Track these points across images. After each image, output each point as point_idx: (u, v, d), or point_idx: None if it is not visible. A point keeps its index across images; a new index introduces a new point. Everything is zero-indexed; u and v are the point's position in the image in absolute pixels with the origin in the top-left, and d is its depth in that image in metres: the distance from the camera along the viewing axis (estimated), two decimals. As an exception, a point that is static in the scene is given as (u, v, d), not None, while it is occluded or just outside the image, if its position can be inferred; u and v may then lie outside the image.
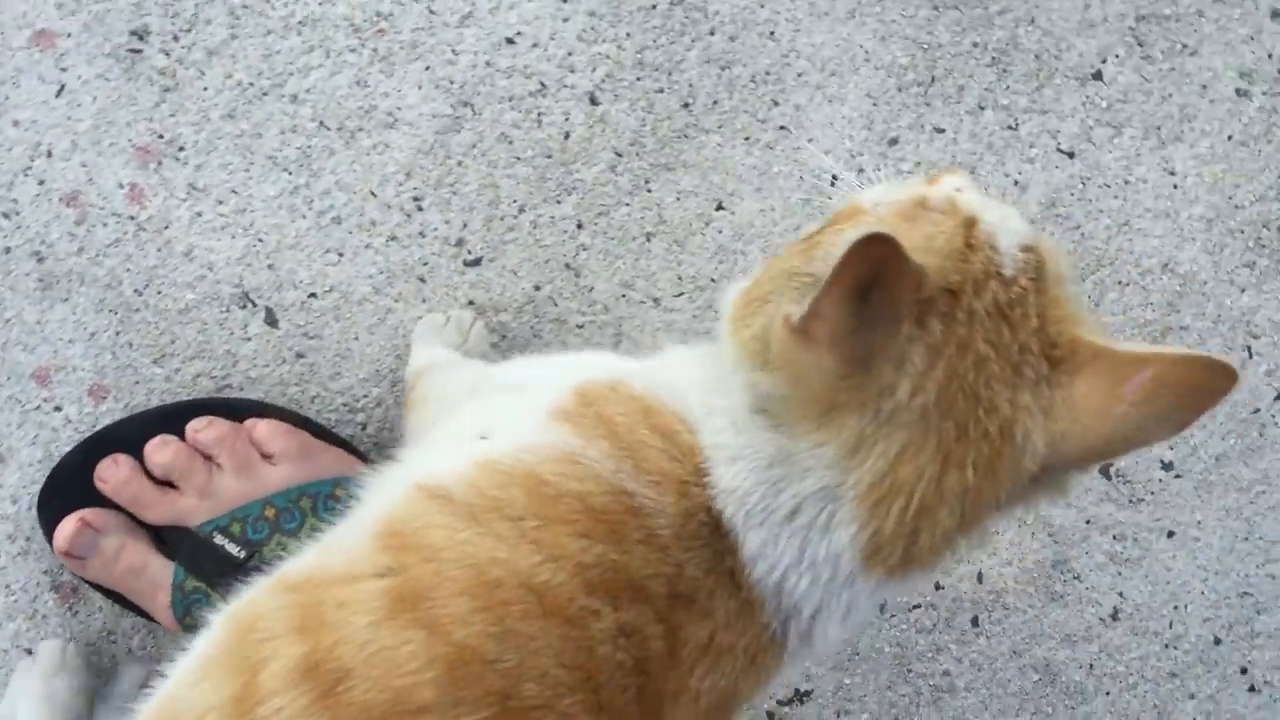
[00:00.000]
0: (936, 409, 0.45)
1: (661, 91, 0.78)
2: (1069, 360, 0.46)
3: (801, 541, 0.46)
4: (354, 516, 0.51)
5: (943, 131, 0.80)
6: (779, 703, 0.82)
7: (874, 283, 0.42)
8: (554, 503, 0.46)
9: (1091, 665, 0.85)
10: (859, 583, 0.46)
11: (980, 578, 0.84)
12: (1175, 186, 0.82)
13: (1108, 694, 0.86)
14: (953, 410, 0.45)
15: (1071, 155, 0.81)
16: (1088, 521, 0.84)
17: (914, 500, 0.45)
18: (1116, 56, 0.81)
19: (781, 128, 0.79)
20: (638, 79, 0.78)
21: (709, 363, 0.50)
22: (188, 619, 0.69)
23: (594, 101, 0.78)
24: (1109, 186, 0.81)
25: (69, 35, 0.74)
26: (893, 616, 0.83)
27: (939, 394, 0.44)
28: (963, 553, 0.47)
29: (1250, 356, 0.84)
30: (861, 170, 0.51)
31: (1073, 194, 0.81)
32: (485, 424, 0.52)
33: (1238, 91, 0.82)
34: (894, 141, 0.80)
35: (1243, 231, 0.82)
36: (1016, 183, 0.80)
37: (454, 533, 0.45)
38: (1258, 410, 0.84)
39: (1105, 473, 0.84)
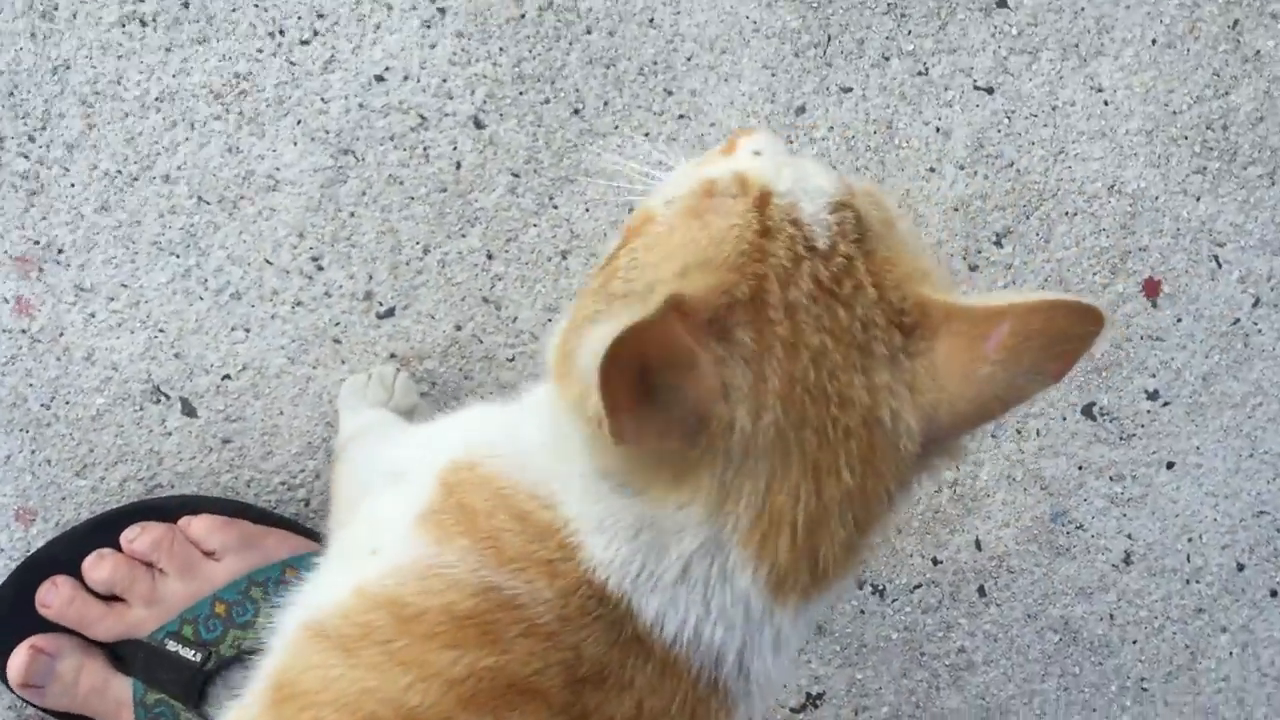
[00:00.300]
0: (788, 422, 0.47)
1: (548, 102, 0.87)
2: (922, 324, 0.49)
3: (703, 596, 0.49)
4: (257, 668, 0.57)
5: (850, 90, 0.88)
6: (791, 710, 0.91)
7: (647, 370, 0.44)
8: (417, 621, 0.50)
9: (1112, 615, 0.94)
10: (776, 614, 0.50)
11: (979, 545, 0.92)
12: (1106, 103, 0.90)
13: (1134, 642, 0.94)
14: (806, 417, 0.47)
15: (990, 91, 0.89)
16: (1080, 467, 0.93)
17: (799, 525, 0.47)
18: (1018, -23, 0.89)
19: (680, 116, 0.87)
20: (520, 93, 0.86)
21: (550, 417, 0.51)
22: (155, 733, 0.78)
23: (479, 125, 0.86)
24: (1036, 116, 0.89)
25: (-73, 154, 0.83)
26: (894, 601, 0.92)
27: (783, 406, 0.47)
28: (876, 546, 0.52)
29: (1219, 266, 0.92)
30: (662, 163, 0.56)
31: (1000, 131, 0.89)
32: (371, 537, 0.58)
33: (1152, -9, 0.90)
34: (801, 110, 0.88)
35: (1186, 138, 0.90)
36: (938, 129, 0.89)
37: (327, 671, 0.50)
38: (1237, 321, 0.92)
39: (1089, 413, 0.92)
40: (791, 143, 0.88)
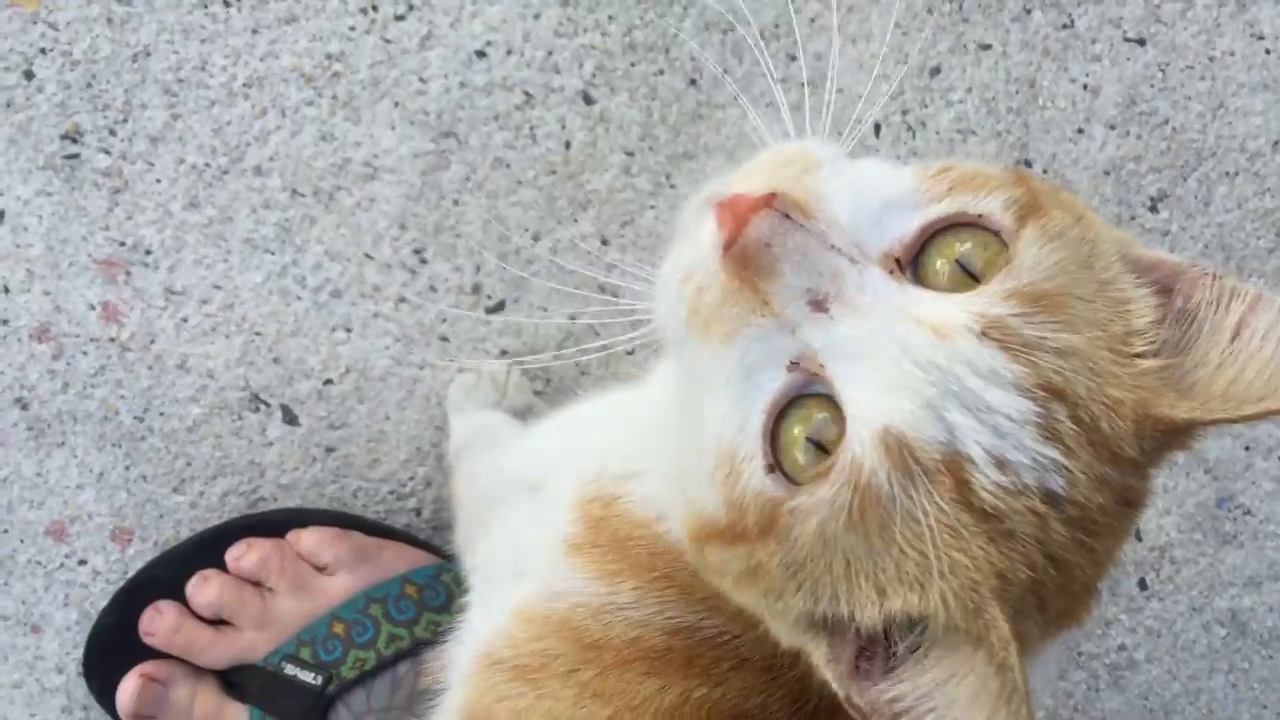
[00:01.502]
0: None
1: (662, 73, 0.81)
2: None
3: None
4: (438, 706, 0.55)
5: (989, 48, 0.82)
6: None
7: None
8: (602, 649, 0.47)
9: (1283, 608, 0.88)
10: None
11: (1138, 534, 0.87)
12: (1268, 52, 0.83)
13: (1308, 636, 0.89)
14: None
15: (1142, 42, 0.83)
16: (1247, 448, 0.87)
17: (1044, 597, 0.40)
18: (1170, -84, 0.83)
19: (805, 84, 0.82)
20: (632, 65, 0.81)
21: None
22: (274, 763, 0.74)
23: (589, 100, 0.81)
24: (1192, 68, 0.83)
25: None
26: (1045, 600, 0.86)
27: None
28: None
29: (1395, 222, 0.85)
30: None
31: (1153, 86, 0.83)
32: (514, 560, 0.55)
33: (1318, -75, 0.83)
34: (936, 71, 0.82)
35: (1357, 83, 0.84)
36: (1085, 87, 0.83)
37: (515, 702, 0.48)
38: None
39: (1254, 389, 0.87)
40: (924, 104, 0.82)
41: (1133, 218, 0.84)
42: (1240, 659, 0.88)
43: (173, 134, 0.79)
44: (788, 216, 0.39)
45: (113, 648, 0.76)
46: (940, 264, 0.40)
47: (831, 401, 0.39)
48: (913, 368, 0.38)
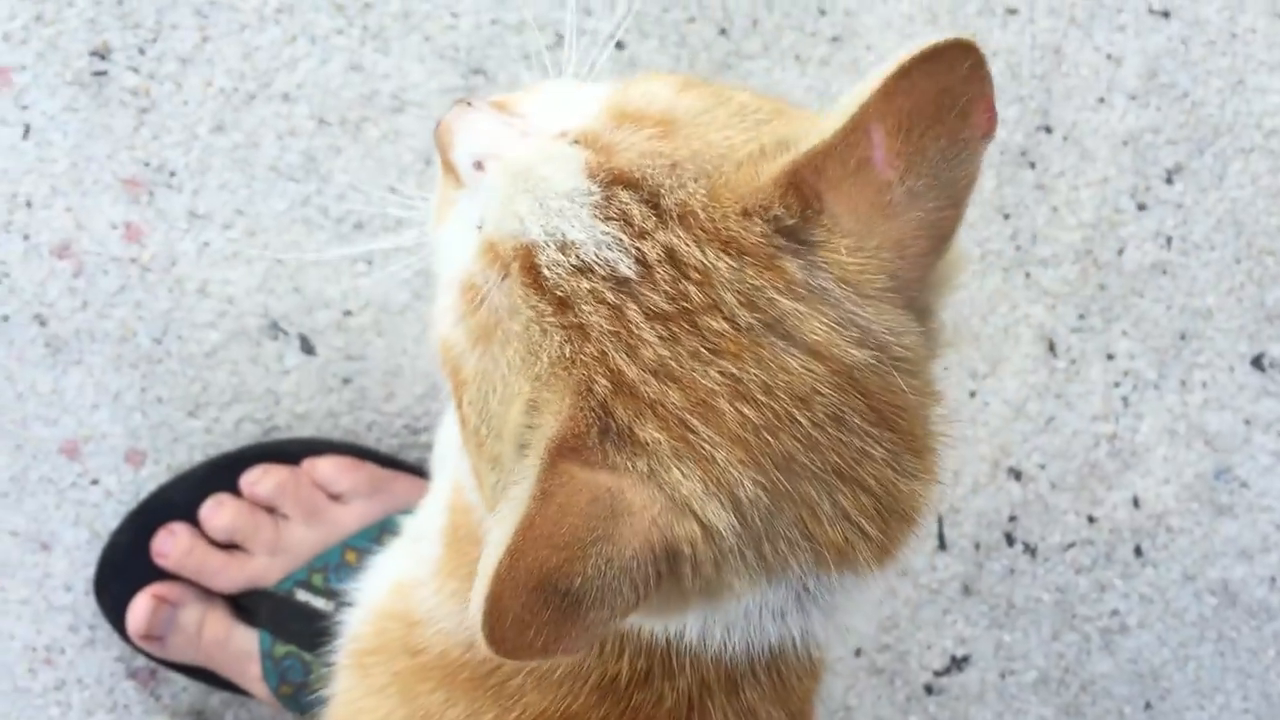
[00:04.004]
0: (769, 468, 0.39)
1: (693, 20, 0.83)
2: (806, 203, 0.39)
3: (776, 620, 0.44)
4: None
5: (1016, 12, 0.85)
6: (935, 673, 0.88)
7: (555, 575, 0.36)
8: (420, 652, 0.51)
9: (1274, 578, 0.92)
10: (841, 584, 0.43)
11: (1136, 502, 0.90)
12: (1290, 28, 0.86)
13: (1295, 608, 0.92)
14: (781, 448, 0.39)
15: (1166, 14, 0.86)
16: (1246, 421, 0.90)
17: (867, 529, 0.41)
18: (1202, -109, 0.85)
19: (834, 39, 0.84)
20: (664, 11, 0.83)
21: None
22: (284, 688, 0.76)
23: (619, 45, 0.83)
24: (1214, 43, 0.86)
25: (23, 68, 0.79)
26: (1046, 560, 0.89)
27: (748, 463, 0.39)
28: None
29: (1403, 206, 0.89)
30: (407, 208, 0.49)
31: (1175, 59, 0.86)
32: (423, 524, 0.58)
33: (1346, -93, 0.86)
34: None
35: (1374, 66, 0.87)
36: (1109, 56, 0.85)
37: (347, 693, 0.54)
38: None
39: (1258, 364, 0.90)
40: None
41: (1148, 189, 0.87)
42: (1229, 628, 0.92)
43: (202, 56, 0.80)
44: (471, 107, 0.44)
45: (125, 567, 0.78)
46: None
47: None
48: (509, 180, 0.42)
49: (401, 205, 0.50)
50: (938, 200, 0.40)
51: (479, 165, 0.43)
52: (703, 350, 0.39)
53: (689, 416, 0.39)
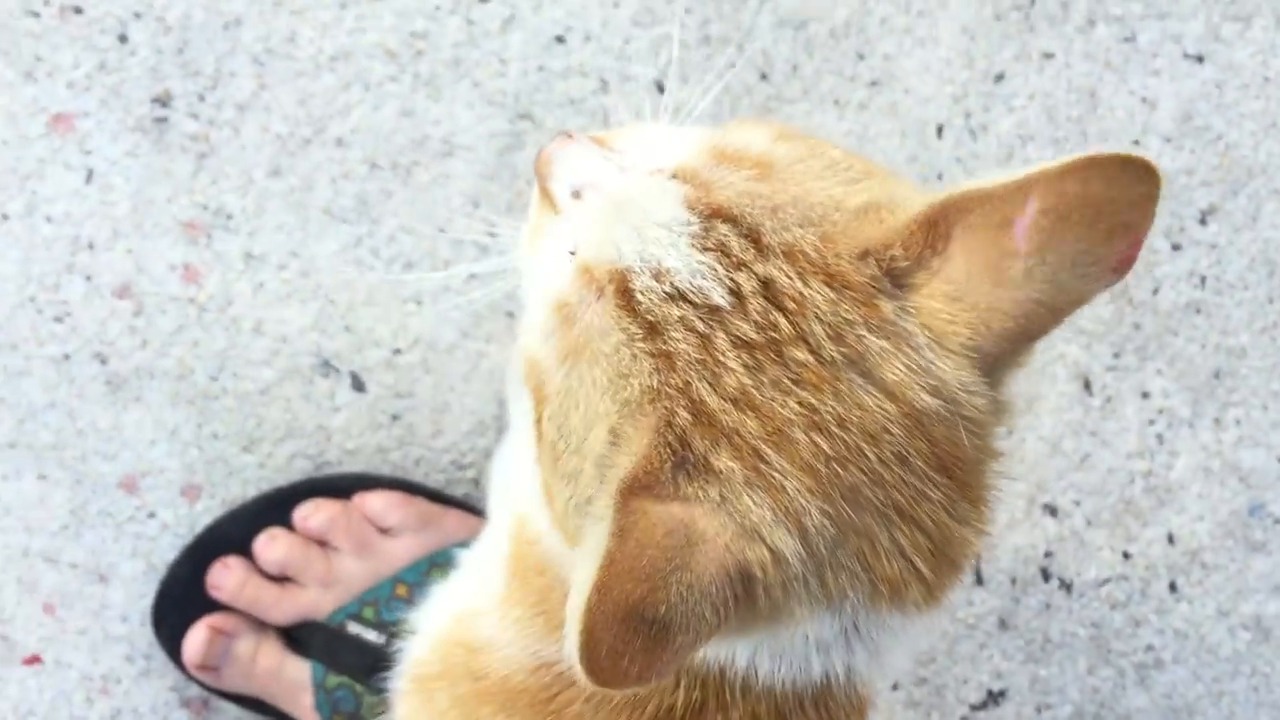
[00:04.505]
0: (836, 499, 0.41)
1: (734, 66, 0.85)
2: (928, 248, 0.41)
3: (827, 655, 0.46)
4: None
5: (1052, 57, 0.86)
6: (972, 707, 0.90)
7: (644, 605, 0.38)
8: (482, 678, 0.53)
9: (1307, 615, 0.93)
10: (888, 621, 0.45)
11: (1171, 539, 0.91)
12: (1323, 72, 0.88)
13: (1330, 644, 0.93)
14: (849, 479, 0.41)
15: (1200, 59, 0.87)
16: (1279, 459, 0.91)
17: (920, 567, 0.42)
18: (1235, -61, 0.87)
19: (872, 83, 0.86)
20: (706, 57, 0.85)
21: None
22: (336, 718, 0.78)
23: (662, 89, 0.85)
24: (1248, 87, 0.88)
25: (87, 114, 0.82)
26: (1082, 596, 0.91)
27: (816, 492, 0.40)
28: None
29: None
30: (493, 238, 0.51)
31: (1209, 102, 0.87)
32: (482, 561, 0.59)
33: (1378, -46, 0.88)
34: (1000, 77, 0.86)
35: (1407, 109, 0.89)
36: (1144, 100, 0.87)
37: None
38: None
39: (1291, 401, 0.91)
40: (984, 110, 0.86)
41: (1182, 229, 0.88)
42: (1263, 664, 0.93)
43: (259, 103, 0.83)
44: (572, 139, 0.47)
45: (181, 599, 0.80)
46: None
47: None
48: (608, 209, 0.44)
49: (489, 233, 0.53)
50: (1045, 297, 0.41)
51: (576, 194, 0.45)
52: (784, 380, 0.41)
53: (763, 445, 0.41)
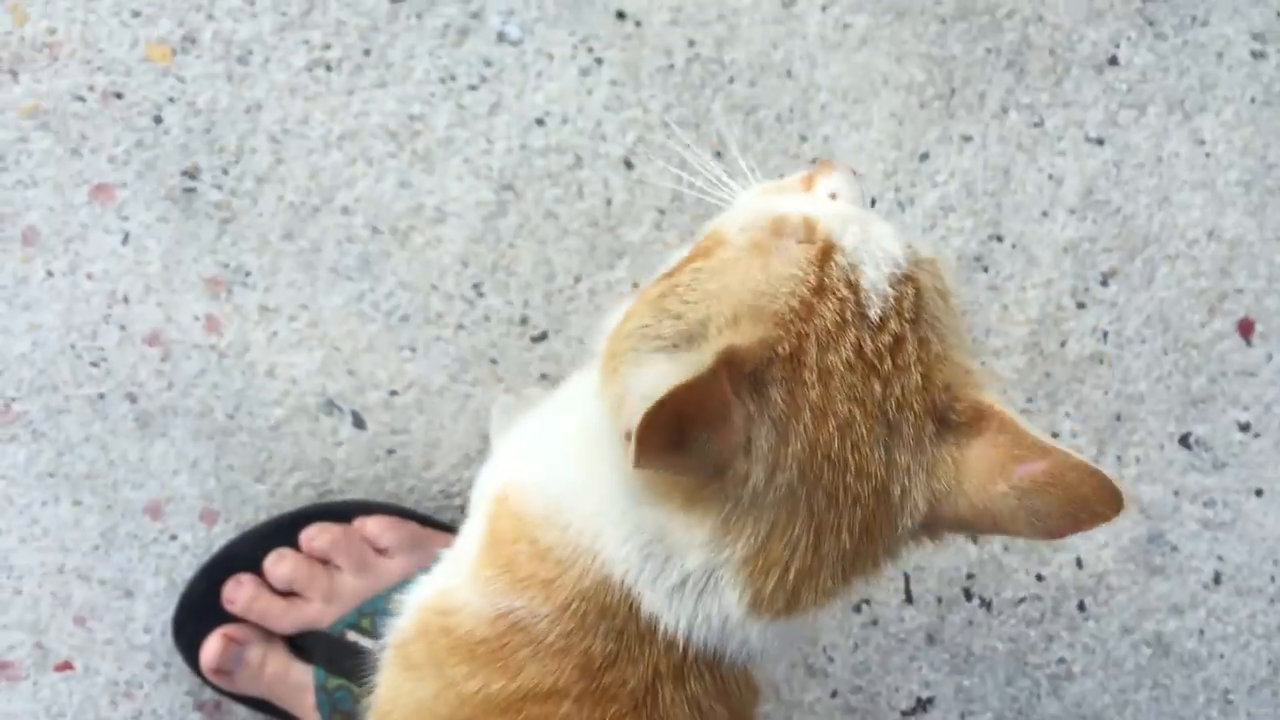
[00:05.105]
0: (801, 483, 0.51)
1: (688, 147, 0.97)
2: (971, 425, 0.53)
3: (693, 603, 0.55)
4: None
5: (970, 139, 0.99)
6: (903, 713, 1.00)
7: (683, 420, 0.47)
8: (450, 633, 0.59)
9: (1202, 631, 1.04)
10: (748, 626, 0.55)
11: (1080, 563, 1.02)
12: (1208, 155, 1.00)
13: (1221, 657, 1.04)
14: (820, 481, 0.51)
15: (1101, 142, 1.00)
16: (1176, 492, 1.03)
17: (790, 570, 0.52)
18: (1129, 39, 0.99)
19: (814, 161, 0.98)
20: (668, 137, 0.97)
21: (589, 403, 0.55)
22: (335, 717, 0.88)
23: (629, 165, 0.97)
24: (1143, 166, 1.00)
25: (124, 185, 0.94)
26: (1001, 613, 1.02)
27: (800, 468, 0.50)
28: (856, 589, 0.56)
29: (1309, 306, 1.02)
30: (738, 176, 0.62)
31: (1108, 179, 1.00)
32: (459, 553, 0.65)
33: (1253, 54, 1.00)
34: (925, 156, 0.99)
35: (1280, 187, 1.01)
36: (1051, 176, 0.99)
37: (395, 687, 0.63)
38: (1325, 358, 1.03)
39: (1185, 442, 1.03)
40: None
41: (1086, 290, 1.00)
42: (1163, 676, 1.03)
43: (276, 175, 0.94)
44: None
45: (199, 612, 0.90)
46: None
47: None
48: (857, 213, 0.55)
49: (719, 177, 0.64)
50: (1000, 516, 0.52)
51: (833, 196, 0.57)
52: (856, 391, 0.51)
53: (806, 410, 0.51)
